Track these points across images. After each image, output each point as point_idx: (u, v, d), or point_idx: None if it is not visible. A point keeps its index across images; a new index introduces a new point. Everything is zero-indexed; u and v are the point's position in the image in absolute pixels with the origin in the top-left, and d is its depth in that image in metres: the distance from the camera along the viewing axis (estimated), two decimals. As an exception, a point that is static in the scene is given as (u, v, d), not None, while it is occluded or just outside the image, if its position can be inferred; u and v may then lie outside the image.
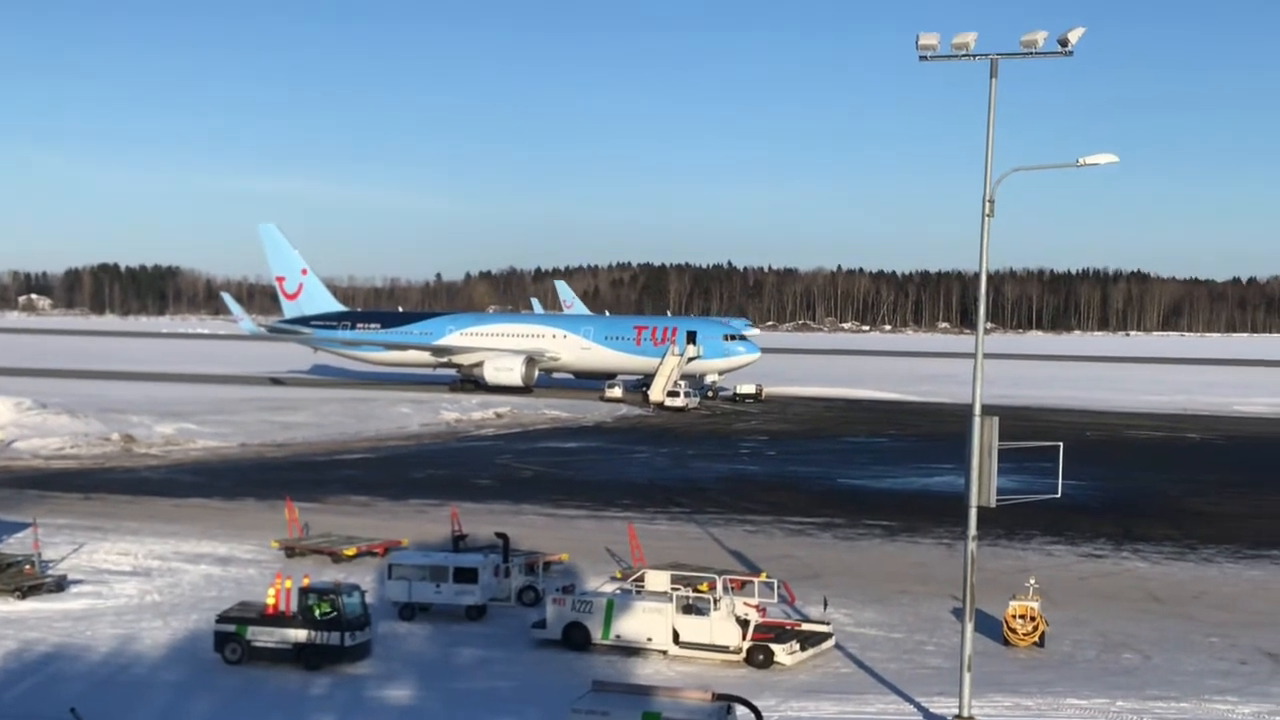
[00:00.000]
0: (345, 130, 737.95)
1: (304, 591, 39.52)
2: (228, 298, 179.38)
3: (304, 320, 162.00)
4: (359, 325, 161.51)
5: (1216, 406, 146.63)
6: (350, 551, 54.37)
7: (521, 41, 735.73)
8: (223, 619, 39.93)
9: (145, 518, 64.39)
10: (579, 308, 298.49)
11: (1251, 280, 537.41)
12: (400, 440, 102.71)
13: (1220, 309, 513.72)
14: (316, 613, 38.92)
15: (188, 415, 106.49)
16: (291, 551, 55.25)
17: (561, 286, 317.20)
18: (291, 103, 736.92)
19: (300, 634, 38.84)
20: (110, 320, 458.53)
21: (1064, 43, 32.77)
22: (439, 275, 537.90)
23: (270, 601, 39.80)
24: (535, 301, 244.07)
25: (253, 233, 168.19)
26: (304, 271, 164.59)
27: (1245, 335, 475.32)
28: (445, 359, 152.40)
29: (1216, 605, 49.43)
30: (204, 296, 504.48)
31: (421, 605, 45.87)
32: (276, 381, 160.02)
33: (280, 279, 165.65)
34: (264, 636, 39.09)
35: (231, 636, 39.38)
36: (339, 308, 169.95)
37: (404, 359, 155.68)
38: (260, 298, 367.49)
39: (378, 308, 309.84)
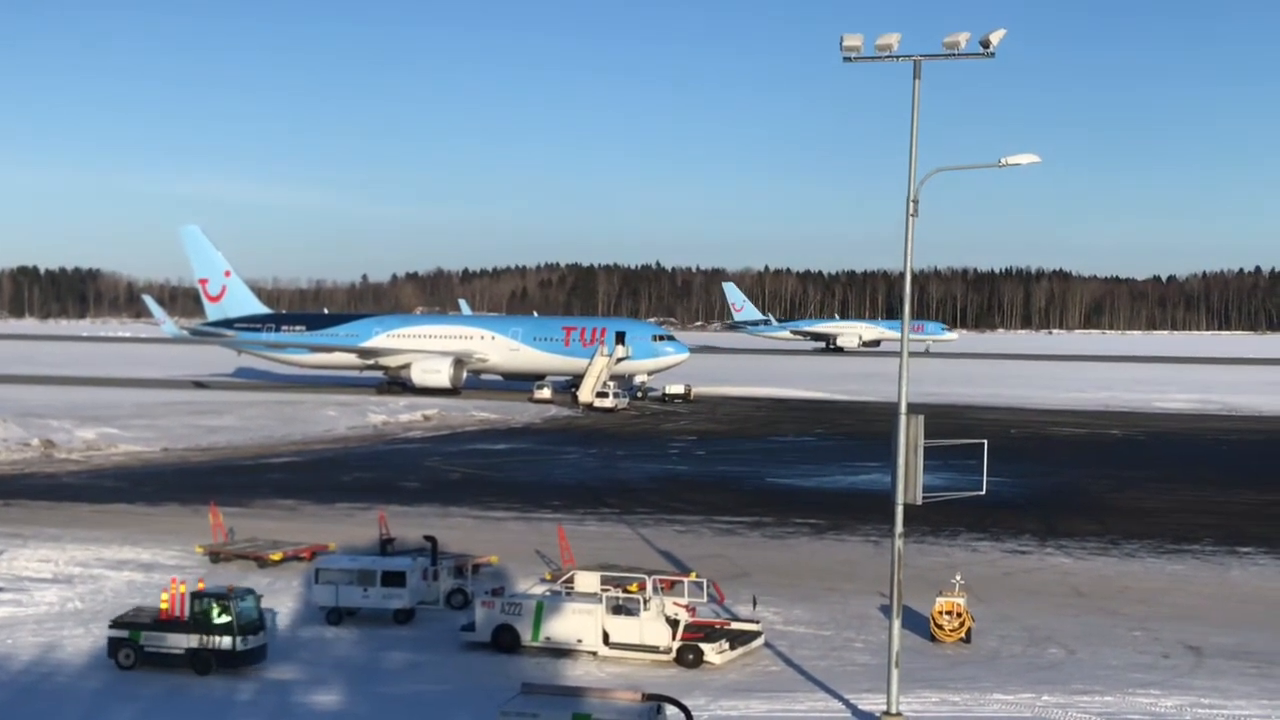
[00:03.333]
0: (268, 131, 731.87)
1: (195, 596, 39.30)
2: (149, 300, 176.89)
3: (227, 323, 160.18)
4: (284, 327, 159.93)
5: (1137, 403, 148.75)
6: (276, 556, 53.83)
7: (446, 41, 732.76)
8: (116, 624, 39.69)
9: (66, 524, 63.39)
10: (749, 311, 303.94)
11: (1171, 279, 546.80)
12: (327, 443, 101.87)
13: (1141, 307, 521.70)
14: (209, 617, 38.69)
15: (109, 419, 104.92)
16: (217, 557, 54.62)
17: (730, 289, 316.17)
18: (214, 103, 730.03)
19: (192, 639, 38.66)
20: (29, 324, 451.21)
21: (985, 44, 33.06)
22: (365, 277, 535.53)
23: (164, 606, 39.58)
24: (463, 302, 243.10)
25: (175, 234, 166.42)
26: (227, 273, 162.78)
27: (1165, 332, 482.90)
28: (372, 361, 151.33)
29: (1139, 600, 50.13)
30: (125, 299, 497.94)
31: (349, 610, 45.52)
32: (200, 385, 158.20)
33: (203, 281, 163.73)
34: (156, 642, 38.92)
35: (125, 642, 39.15)
36: (263, 310, 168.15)
37: (330, 361, 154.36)
38: (183, 300, 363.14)
39: (303, 310, 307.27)
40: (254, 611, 39.50)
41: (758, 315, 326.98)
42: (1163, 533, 64.27)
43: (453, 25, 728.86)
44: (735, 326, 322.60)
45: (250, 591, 40.38)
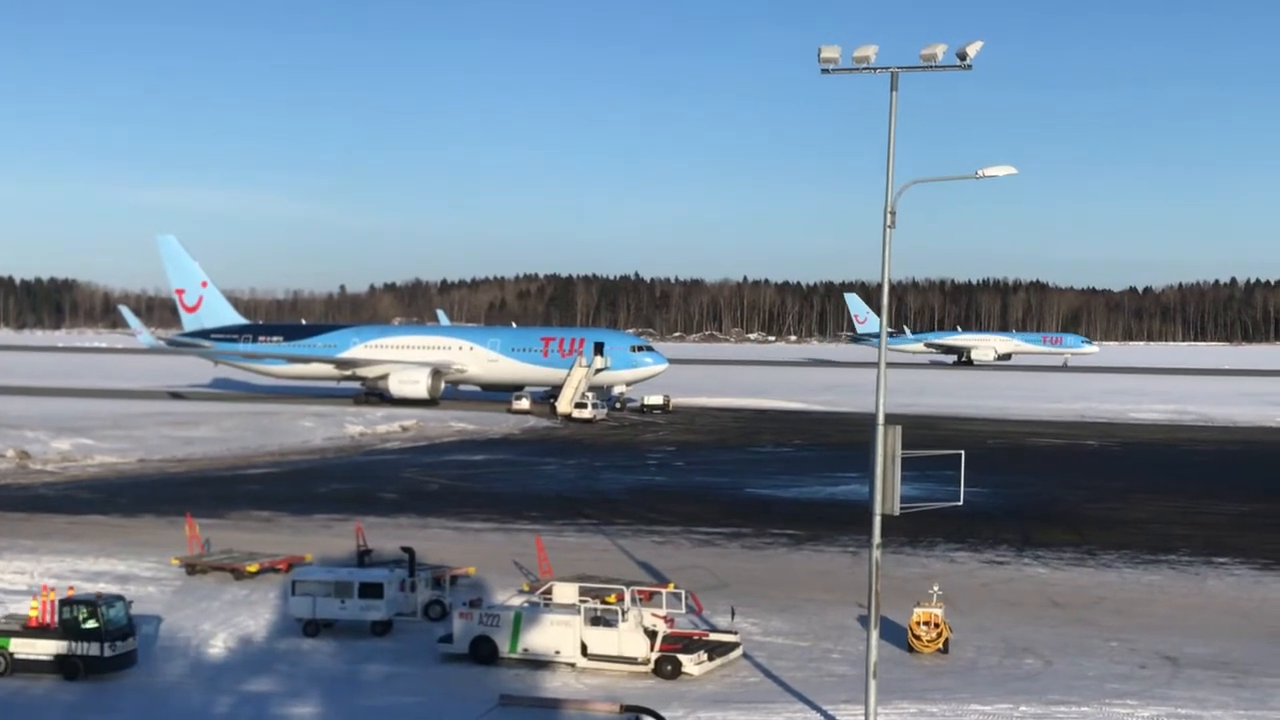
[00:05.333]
0: (246, 141, 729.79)
1: (64, 603, 39.73)
2: (126, 311, 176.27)
3: (204, 333, 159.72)
4: (261, 338, 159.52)
5: (1113, 414, 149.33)
6: (253, 568, 53.63)
7: (425, 52, 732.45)
8: None
9: (42, 535, 63.03)
10: (874, 323, 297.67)
11: (1147, 290, 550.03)
12: (304, 454, 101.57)
13: (1117, 318, 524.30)
14: (77, 624, 39.06)
15: (85, 430, 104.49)
16: (192, 569, 54.38)
17: (853, 299, 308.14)
18: (192, 112, 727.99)
19: (60, 645, 39.10)
20: (4, 334, 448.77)
21: (963, 56, 33.16)
22: (343, 287, 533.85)
23: (33, 614, 40.00)
24: (441, 313, 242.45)
25: (151, 244, 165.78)
26: (204, 284, 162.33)
27: (1141, 344, 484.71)
28: (349, 372, 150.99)
29: (1116, 610, 50.29)
30: (101, 309, 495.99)
31: (326, 621, 45.36)
32: (177, 396, 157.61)
33: (180, 291, 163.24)
34: (25, 648, 39.43)
35: None
36: (240, 320, 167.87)
37: (307, 372, 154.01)
38: (159, 311, 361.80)
39: (280, 320, 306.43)
40: (123, 618, 40.12)
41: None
42: (1139, 543, 64.49)
43: (433, 36, 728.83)
44: (859, 339, 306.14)
45: (119, 598, 41.20)
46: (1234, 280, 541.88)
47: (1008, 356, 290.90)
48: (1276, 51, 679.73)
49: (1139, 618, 48.96)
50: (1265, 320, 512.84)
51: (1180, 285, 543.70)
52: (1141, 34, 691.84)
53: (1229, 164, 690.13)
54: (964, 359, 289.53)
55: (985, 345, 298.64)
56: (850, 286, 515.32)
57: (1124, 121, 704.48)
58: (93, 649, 38.99)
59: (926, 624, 43.19)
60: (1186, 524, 71.59)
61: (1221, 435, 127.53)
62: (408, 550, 49.11)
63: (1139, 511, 76.43)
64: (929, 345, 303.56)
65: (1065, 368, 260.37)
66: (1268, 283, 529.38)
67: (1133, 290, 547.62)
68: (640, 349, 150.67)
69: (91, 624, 39.05)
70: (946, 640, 43.20)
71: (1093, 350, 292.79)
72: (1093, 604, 51.32)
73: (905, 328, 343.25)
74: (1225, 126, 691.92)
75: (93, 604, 39.62)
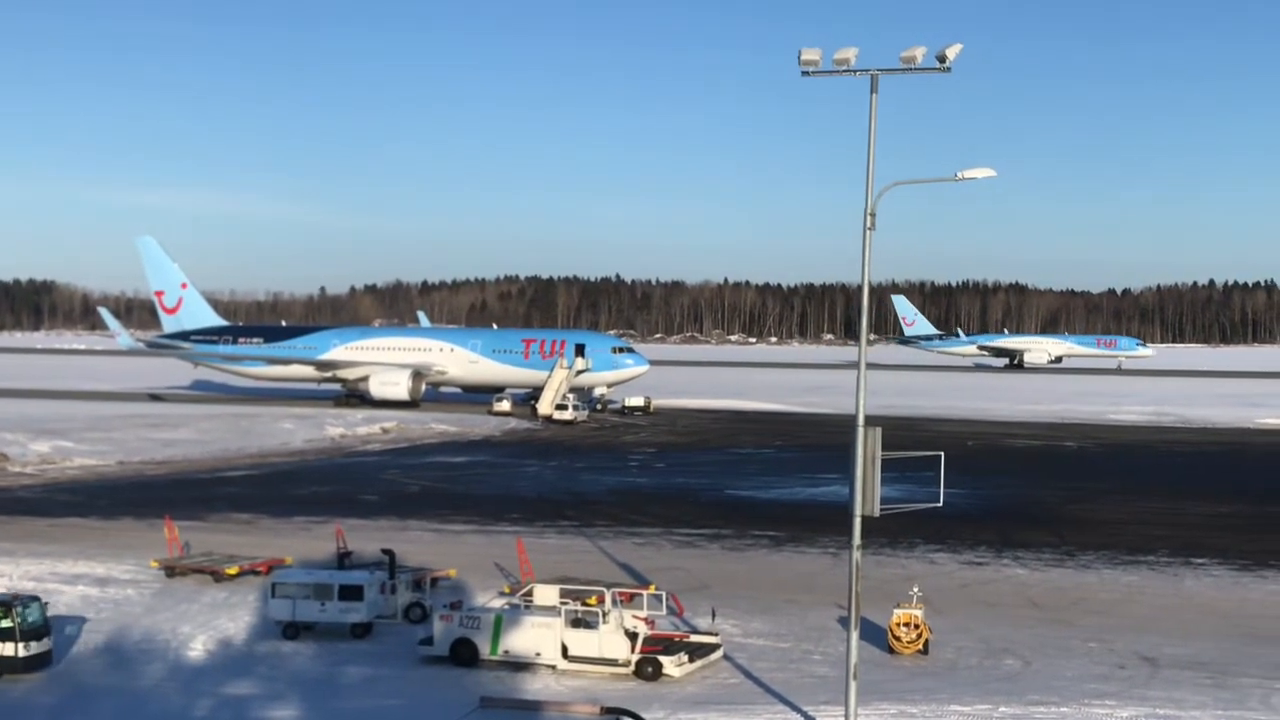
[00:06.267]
0: (226, 142, 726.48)
1: None
2: (105, 312, 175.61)
3: (184, 335, 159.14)
4: (241, 340, 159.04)
5: (1092, 415, 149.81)
6: (233, 570, 53.49)
7: (404, 52, 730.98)
8: None
9: (20, 538, 62.72)
10: (922, 325, 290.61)
11: (1126, 292, 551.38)
12: (284, 457, 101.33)
13: (1096, 320, 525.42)
14: None
15: (64, 433, 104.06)
16: (172, 571, 54.21)
17: (901, 301, 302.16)
18: (171, 112, 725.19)
19: None
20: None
21: (942, 59, 33.26)
22: (323, 289, 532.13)
23: None
24: (422, 314, 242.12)
25: (131, 246, 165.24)
26: (183, 285, 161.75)
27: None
28: (330, 374, 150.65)
29: (1095, 610, 50.48)
30: (80, 311, 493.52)
31: (306, 624, 45.24)
32: (156, 398, 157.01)
33: (159, 293, 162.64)
34: None
35: None
36: (220, 322, 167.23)
37: (287, 374, 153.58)
38: (139, 312, 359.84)
39: (260, 322, 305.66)
40: (39, 619, 40.11)
41: (931, 329, 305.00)
42: (1118, 544, 64.73)
43: (412, 34, 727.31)
44: (907, 341, 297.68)
45: (35, 599, 41.18)
46: (1212, 282, 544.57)
47: (1059, 359, 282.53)
48: (1251, 52, 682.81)
49: (1117, 618, 49.16)
50: (1243, 322, 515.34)
51: (1159, 287, 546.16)
52: (1121, 35, 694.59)
53: (1208, 166, 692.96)
54: (1016, 362, 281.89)
55: (1039, 348, 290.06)
56: (831, 288, 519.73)
57: (1103, 123, 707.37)
58: (6, 649, 39.06)
59: (906, 625, 43.30)
60: (1165, 525, 71.90)
61: (1200, 437, 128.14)
62: (388, 552, 49.06)
63: (1117, 512, 76.72)
64: (982, 348, 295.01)
65: (1119, 370, 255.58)
66: (1245, 285, 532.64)
67: (1111, 292, 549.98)
68: (621, 350, 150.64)
69: (6, 624, 39.09)
70: (926, 641, 43.32)
71: (1148, 353, 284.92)
72: (1071, 605, 51.51)
73: (959, 330, 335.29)
74: (1203, 128, 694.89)
75: (7, 604, 39.65)
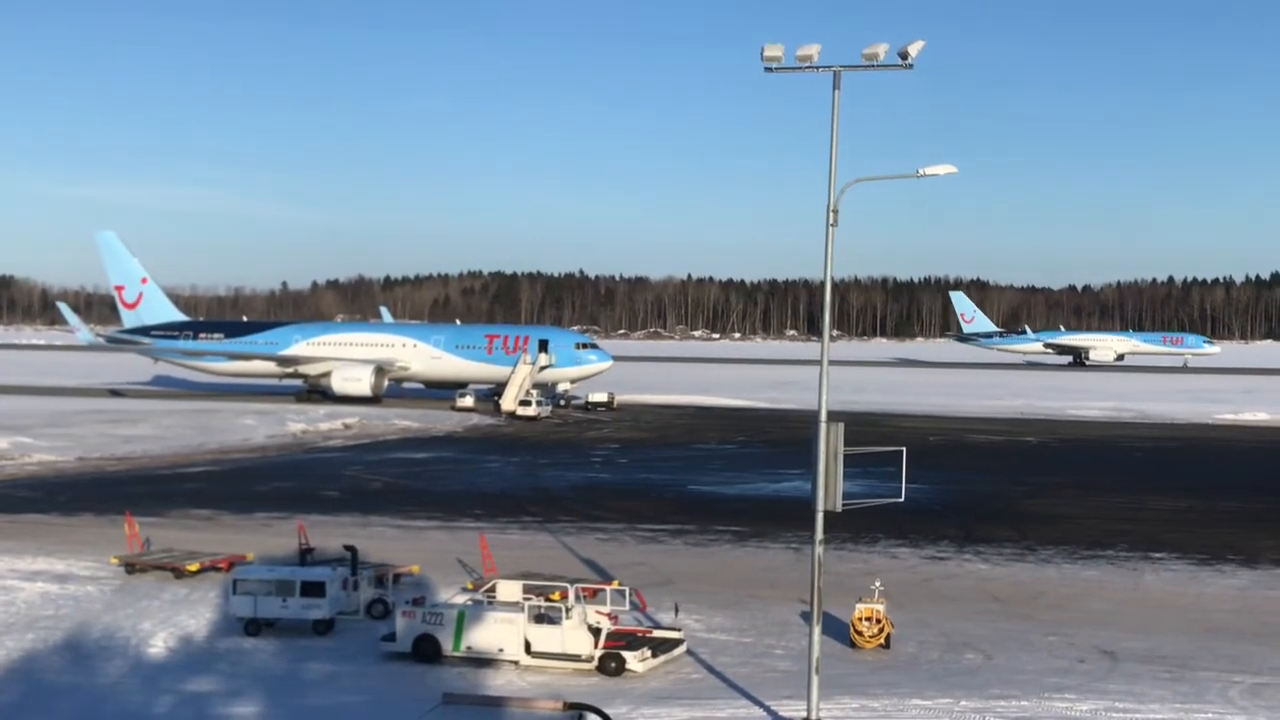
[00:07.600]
0: (185, 136, 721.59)
1: None
2: (64, 307, 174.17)
3: (144, 330, 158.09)
4: (201, 335, 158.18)
5: (1053, 410, 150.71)
6: (193, 567, 53.20)
7: (364, 45, 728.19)
8: None
9: (-23, 535, 62.22)
10: (981, 322, 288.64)
11: (1086, 288, 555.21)
12: (245, 452, 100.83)
13: (1056, 316, 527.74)
14: None
15: (23, 428, 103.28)
16: (132, 568, 53.87)
17: (959, 298, 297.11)
18: (129, 106, 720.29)
19: None
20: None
21: (904, 55, 33.39)
22: (285, 284, 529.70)
23: None
24: (384, 310, 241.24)
25: (91, 240, 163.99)
26: (144, 280, 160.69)
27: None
28: (291, 369, 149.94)
29: (1054, 605, 50.81)
30: (40, 306, 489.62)
31: (267, 620, 45.05)
32: (116, 393, 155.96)
33: (119, 288, 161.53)
34: None
35: None
36: (181, 317, 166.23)
37: (248, 370, 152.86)
38: (99, 307, 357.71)
39: (221, 317, 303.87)
40: None
41: (991, 326, 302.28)
42: (1078, 539, 65.16)
43: (376, 31, 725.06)
44: (966, 339, 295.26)
45: None
46: (1171, 279, 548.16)
47: (1121, 357, 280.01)
48: (1214, 52, 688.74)
49: (1077, 613, 49.49)
50: (1202, 318, 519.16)
51: (1119, 283, 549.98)
52: (1080, 33, 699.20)
53: (1167, 162, 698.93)
54: (1080, 359, 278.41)
55: (1104, 346, 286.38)
56: (794, 284, 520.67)
57: (1062, 120, 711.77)
58: None
59: (868, 620, 43.45)
60: (1124, 520, 72.40)
61: (1159, 432, 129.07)
62: (350, 549, 48.92)
63: (1077, 507, 77.21)
64: (1048, 345, 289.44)
65: (1185, 368, 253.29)
66: (1204, 280, 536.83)
67: (1072, 288, 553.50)
68: (585, 346, 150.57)
69: None
70: (888, 636, 43.50)
71: (1213, 351, 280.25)
72: (1032, 599, 51.83)
73: (1026, 327, 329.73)
74: (1163, 125, 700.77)
75: None
